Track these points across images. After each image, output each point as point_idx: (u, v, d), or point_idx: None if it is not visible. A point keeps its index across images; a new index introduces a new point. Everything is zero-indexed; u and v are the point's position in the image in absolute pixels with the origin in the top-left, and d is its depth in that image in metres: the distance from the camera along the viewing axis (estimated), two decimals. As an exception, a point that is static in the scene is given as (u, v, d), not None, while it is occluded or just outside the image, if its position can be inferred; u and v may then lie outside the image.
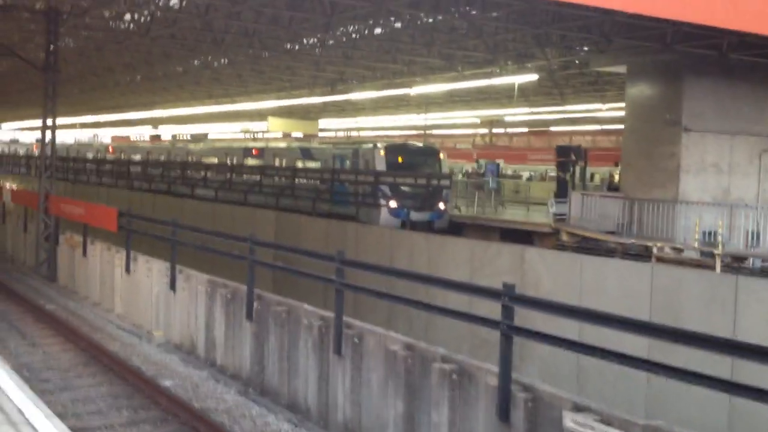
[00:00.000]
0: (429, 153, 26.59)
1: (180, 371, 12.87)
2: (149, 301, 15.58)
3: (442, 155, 26.60)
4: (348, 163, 26.13)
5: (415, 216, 22.74)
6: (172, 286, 14.57)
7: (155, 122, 66.93)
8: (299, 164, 28.82)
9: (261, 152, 31.91)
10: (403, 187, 23.80)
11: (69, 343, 14.68)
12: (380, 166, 24.35)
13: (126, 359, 13.37)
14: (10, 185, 29.27)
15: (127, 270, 16.53)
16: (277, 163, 30.25)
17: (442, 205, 24.03)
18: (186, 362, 13.41)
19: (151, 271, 15.58)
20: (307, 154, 29.17)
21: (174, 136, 74.73)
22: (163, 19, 23.30)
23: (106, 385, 12.08)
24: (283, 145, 34.41)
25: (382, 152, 24.63)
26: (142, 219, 18.24)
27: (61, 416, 9.45)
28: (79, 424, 10.04)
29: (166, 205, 27.65)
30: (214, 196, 28.62)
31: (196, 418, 10.32)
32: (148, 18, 23.73)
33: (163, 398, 11.19)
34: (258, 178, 28.67)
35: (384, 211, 22.97)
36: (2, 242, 27.13)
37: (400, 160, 24.94)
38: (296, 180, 27.03)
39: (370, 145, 25.73)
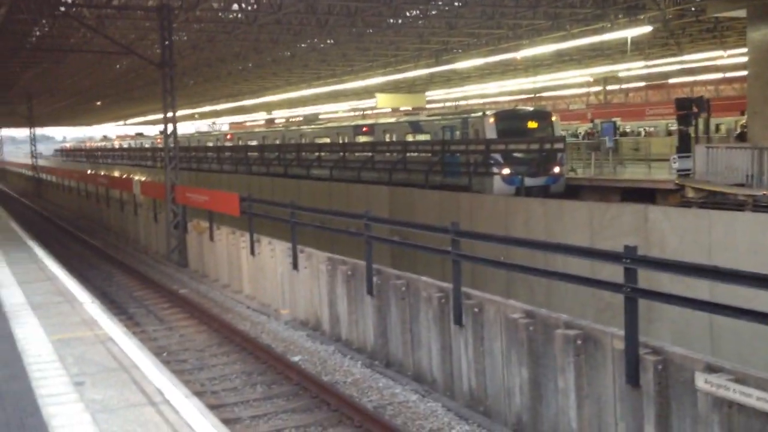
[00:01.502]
0: (540, 116, 26.00)
1: (307, 347, 13.28)
2: (275, 281, 16.11)
3: (554, 118, 25.96)
4: (458, 133, 25.97)
5: (529, 182, 22.37)
6: (295, 265, 15.00)
7: (269, 107, 68.70)
8: (409, 138, 28.89)
9: (371, 129, 32.18)
10: (515, 154, 23.44)
11: (203, 325, 15.39)
12: (490, 134, 24.06)
13: (256, 337, 13.92)
14: (139, 178, 30.78)
15: (252, 252, 17.13)
16: (387, 138, 30.43)
17: (557, 169, 23.53)
18: (312, 338, 13.81)
19: (275, 252, 16.08)
20: (416, 127, 29.19)
21: (287, 119, 76.50)
22: (269, 5, 23.79)
23: (240, 363, 12.61)
24: (392, 120, 34.52)
25: (491, 120, 24.32)
26: (263, 202, 18.81)
27: (200, 395, 9.97)
28: (216, 402, 10.55)
29: (283, 188, 28.39)
30: (329, 176, 29.14)
31: (326, 391, 10.63)
32: (255, 6, 24.30)
33: (293, 373, 11.58)
34: (370, 154, 28.95)
35: (497, 179, 22.73)
36: (136, 233, 28.62)
37: (510, 126, 24.55)
38: (407, 154, 27.12)
39: (480, 114, 25.45)
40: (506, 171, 22.73)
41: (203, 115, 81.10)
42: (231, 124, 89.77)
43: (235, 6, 24.85)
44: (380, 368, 11.90)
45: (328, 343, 13.36)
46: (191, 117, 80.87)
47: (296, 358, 12.52)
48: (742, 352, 11.30)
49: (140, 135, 75.31)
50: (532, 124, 25.10)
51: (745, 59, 24.22)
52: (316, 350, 13.05)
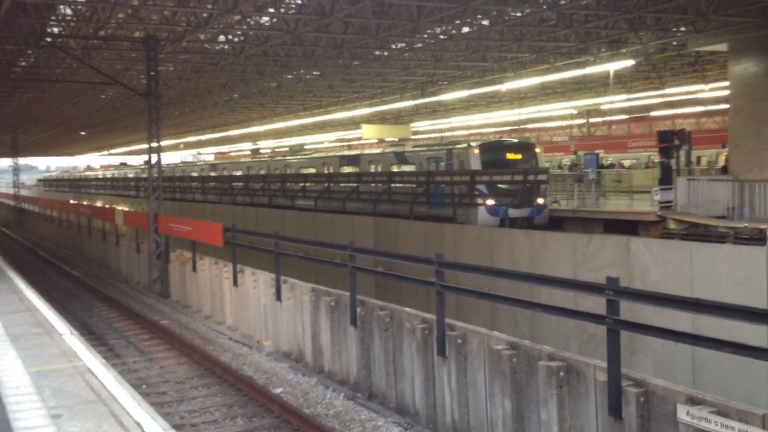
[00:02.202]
0: (524, 148, 26.18)
1: (290, 379, 13.16)
2: (257, 312, 16.00)
3: (538, 149, 26.15)
4: (443, 164, 26.09)
5: (513, 213, 22.47)
6: (278, 296, 14.92)
7: (254, 137, 68.80)
8: (395, 169, 29.00)
9: (357, 160, 32.29)
10: (499, 185, 23.56)
11: (183, 357, 15.23)
12: (475, 165, 24.19)
13: (238, 369, 13.78)
14: (121, 208, 30.65)
15: (235, 283, 17.03)
16: (372, 169, 30.53)
17: (541, 200, 23.66)
18: (295, 370, 13.70)
19: (258, 282, 16.00)
20: (401, 158, 29.31)
21: (272, 150, 76.61)
22: (255, 37, 23.93)
23: (221, 396, 12.47)
24: (377, 151, 34.67)
25: (476, 151, 24.47)
26: (247, 233, 18.75)
27: (179, 428, 9.84)
28: (197, 434, 10.40)
29: (268, 218, 28.35)
30: (314, 206, 29.14)
31: (308, 423, 10.53)
32: (242, 38, 24.43)
33: (275, 405, 11.46)
34: (355, 185, 29.00)
35: (482, 210, 22.81)
36: (117, 263, 28.42)
37: (495, 157, 24.71)
38: (392, 185, 27.19)
39: (464, 145, 25.60)
40: (491, 202, 22.83)
41: (188, 145, 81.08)
42: (216, 154, 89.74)
43: (222, 38, 24.98)
44: (363, 400, 11.80)
45: (310, 375, 13.25)
46: (176, 147, 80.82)
47: (278, 390, 12.41)
48: (724, 383, 11.31)
49: (124, 165, 75.24)
50: (516, 156, 25.29)
51: (725, 93, 24.59)
52: (298, 382, 12.94)
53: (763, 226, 17.62)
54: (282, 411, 11.21)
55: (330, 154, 40.59)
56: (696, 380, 11.76)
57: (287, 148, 69.84)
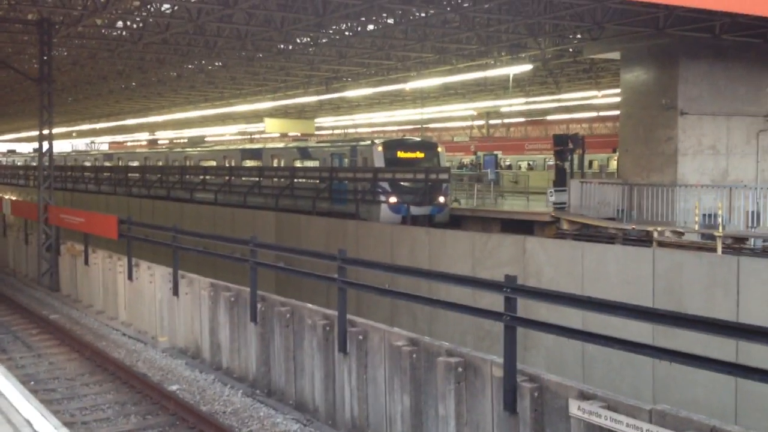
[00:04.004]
0: (427, 147, 26.56)
1: (186, 375, 12.90)
2: (153, 307, 15.60)
3: (440, 149, 26.57)
4: (347, 161, 26.14)
5: (415, 211, 22.76)
6: (175, 291, 14.59)
7: (152, 128, 66.95)
8: (298, 164, 28.83)
9: (259, 153, 31.93)
10: (402, 183, 23.81)
11: (74, 353, 14.70)
12: (379, 162, 24.36)
13: (132, 366, 13.40)
14: (9, 197, 29.25)
15: (130, 277, 16.54)
16: (275, 163, 30.26)
17: (442, 199, 24.05)
18: (192, 366, 13.43)
19: (154, 277, 15.60)
20: (305, 153, 29.18)
21: (171, 141, 74.78)
22: (155, 25, 23.26)
23: (113, 393, 12.10)
24: (281, 145, 34.39)
25: (380, 148, 24.64)
26: (143, 226, 18.24)
27: (70, 425, 9.49)
28: (87, 433, 10.06)
29: (165, 211, 27.66)
30: (213, 200, 28.63)
31: (204, 421, 10.34)
32: (141, 24, 23.71)
33: (170, 403, 11.20)
34: (257, 179, 28.67)
35: (384, 208, 23.00)
36: (4, 256, 27.13)
37: (398, 155, 24.95)
38: (295, 180, 27.02)
39: (368, 142, 25.72)
40: (393, 199, 23.03)
41: (81, 134, 78.09)
42: (111, 143, 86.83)
43: (120, 23, 24.17)
44: (262, 397, 11.69)
45: (208, 372, 13.02)
46: (69, 135, 77.75)
47: (174, 387, 12.13)
48: (612, 379, 11.81)
49: (13, 152, 71.80)
50: (420, 155, 25.63)
51: (617, 99, 25.63)
52: (195, 379, 12.69)
53: (650, 228, 18.50)
54: (178, 408, 10.97)
55: (232, 147, 39.97)
56: (585, 376, 12.22)
57: (186, 140, 68.32)
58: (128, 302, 16.92)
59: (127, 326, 16.68)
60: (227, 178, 30.66)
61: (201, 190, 30.77)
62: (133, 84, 37.73)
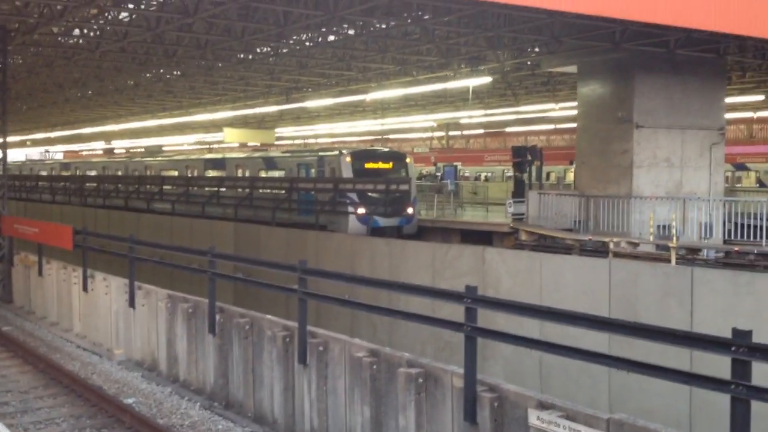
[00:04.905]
0: (396, 158, 26.43)
1: (142, 388, 12.70)
2: (108, 319, 15.34)
3: (409, 159, 26.49)
4: (313, 171, 25.96)
5: (383, 222, 22.70)
6: (132, 302, 14.37)
7: (108, 137, 66.01)
8: (263, 174, 28.61)
9: (223, 163, 31.60)
10: (370, 194, 23.68)
11: (27, 365, 14.37)
12: (347, 173, 24.19)
13: (87, 378, 13.16)
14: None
15: (85, 288, 16.25)
16: (240, 173, 29.99)
17: (410, 210, 24.01)
18: (148, 379, 13.24)
19: (110, 288, 15.35)
20: (270, 163, 28.94)
21: (127, 150, 73.82)
22: (113, 33, 22.96)
23: (68, 406, 11.86)
24: (244, 155, 34.11)
25: (348, 159, 24.46)
26: (99, 236, 17.97)
27: (22, 440, 9.28)
28: (40, 448, 9.84)
29: (121, 221, 27.28)
30: (171, 210, 28.29)
31: (162, 435, 10.19)
32: (98, 33, 23.40)
33: (126, 416, 11.02)
34: (216, 189, 28.40)
35: (352, 219, 22.88)
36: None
37: (366, 166, 24.80)
38: (258, 190, 26.77)
39: (336, 153, 25.59)
40: (361, 210, 22.94)
41: (36, 142, 76.69)
42: (65, 152, 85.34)
43: (77, 31, 23.81)
44: (220, 410, 11.56)
45: (164, 384, 12.84)
46: (23, 144, 76.30)
47: (130, 400, 11.94)
48: (569, 388, 11.93)
49: None
50: (388, 165, 25.50)
51: (574, 112, 26.00)
52: (151, 392, 12.50)
53: (606, 239, 18.77)
54: (134, 422, 10.79)
55: (194, 156, 39.56)
56: (543, 386, 12.34)
57: (143, 149, 67.50)
58: (83, 314, 16.62)
59: (81, 338, 16.38)
60: (186, 188, 30.32)
61: (159, 201, 30.39)
62: (90, 92, 37.17)
